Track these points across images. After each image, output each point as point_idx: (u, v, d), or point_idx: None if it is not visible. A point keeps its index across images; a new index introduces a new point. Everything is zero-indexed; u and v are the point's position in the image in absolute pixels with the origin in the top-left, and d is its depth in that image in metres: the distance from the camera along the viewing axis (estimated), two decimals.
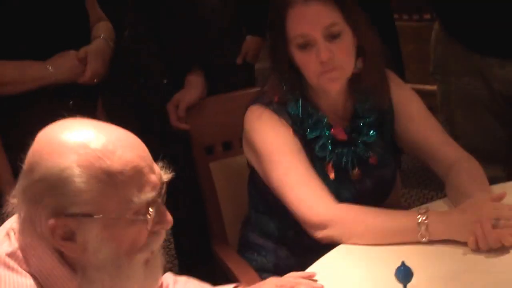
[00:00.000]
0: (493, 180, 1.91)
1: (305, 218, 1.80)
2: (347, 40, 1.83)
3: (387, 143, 2.00)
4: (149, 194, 1.24)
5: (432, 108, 2.02)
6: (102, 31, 2.31)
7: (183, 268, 2.73)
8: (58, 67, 2.15)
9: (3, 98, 2.13)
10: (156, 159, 1.32)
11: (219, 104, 2.35)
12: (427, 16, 3.39)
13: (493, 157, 2.32)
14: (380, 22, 2.03)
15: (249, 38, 2.59)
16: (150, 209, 1.26)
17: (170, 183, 1.27)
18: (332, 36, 1.80)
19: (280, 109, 1.89)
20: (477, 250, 1.64)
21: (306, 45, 1.80)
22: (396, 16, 3.47)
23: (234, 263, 2.11)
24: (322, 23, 1.78)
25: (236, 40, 2.56)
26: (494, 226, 1.64)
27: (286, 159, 1.84)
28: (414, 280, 1.48)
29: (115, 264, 1.24)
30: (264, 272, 2.04)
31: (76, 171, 1.20)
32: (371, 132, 1.94)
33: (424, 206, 1.80)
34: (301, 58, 1.83)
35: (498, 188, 1.88)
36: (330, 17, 1.79)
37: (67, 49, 2.18)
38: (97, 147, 1.22)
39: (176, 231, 2.67)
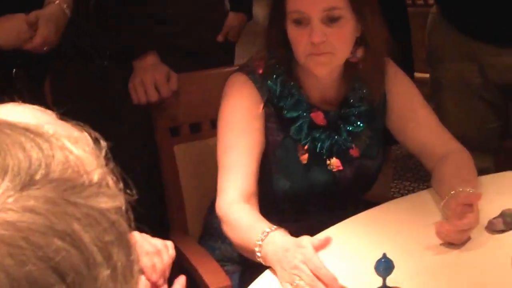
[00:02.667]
0: (482, 171, 1.86)
1: (216, 206, 1.76)
2: (347, 27, 1.76)
3: (376, 135, 1.93)
4: None
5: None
6: None
7: None
8: (4, 31, 1.98)
9: None
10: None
11: (190, 82, 2.21)
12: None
13: (483, 148, 2.29)
14: (391, 7, 1.97)
15: (231, 14, 2.45)
16: None
17: (128, 168, 1.15)
18: (330, 20, 1.73)
19: (260, 81, 1.82)
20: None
21: (301, 22, 1.74)
22: (409, 1, 3.38)
23: (193, 253, 1.98)
24: (322, 4, 1.72)
25: (217, 16, 2.43)
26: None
27: (232, 137, 1.79)
28: (394, 274, 1.42)
29: None
30: (227, 262, 1.95)
31: None
32: (359, 122, 1.87)
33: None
34: (293, 33, 1.77)
35: (487, 179, 1.84)
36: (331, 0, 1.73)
37: (16, 12, 2.01)
38: None
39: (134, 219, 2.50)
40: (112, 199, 0.62)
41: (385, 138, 1.96)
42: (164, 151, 2.16)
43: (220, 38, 2.41)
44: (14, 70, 2.05)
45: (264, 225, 1.61)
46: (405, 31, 2.50)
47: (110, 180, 0.65)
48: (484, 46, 2.26)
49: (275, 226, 1.59)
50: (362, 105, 1.87)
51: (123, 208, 0.64)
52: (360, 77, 1.86)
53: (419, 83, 2.02)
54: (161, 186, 2.20)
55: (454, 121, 2.24)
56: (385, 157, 2.04)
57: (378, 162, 1.94)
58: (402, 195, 3.51)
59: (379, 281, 1.43)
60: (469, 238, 1.61)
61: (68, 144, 0.62)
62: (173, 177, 2.16)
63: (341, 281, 1.47)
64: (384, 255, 1.42)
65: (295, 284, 1.46)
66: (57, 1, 2.12)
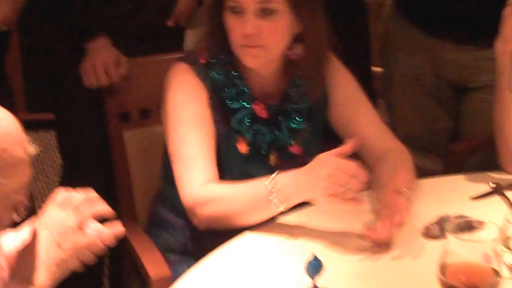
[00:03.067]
0: (430, 173, 1.84)
1: (181, 198, 1.73)
2: (282, 22, 1.74)
3: (317, 131, 1.91)
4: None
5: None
6: None
7: None
8: None
9: None
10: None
11: (140, 67, 2.17)
12: None
13: (432, 148, 2.26)
14: None
15: None
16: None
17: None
18: (265, 12, 1.72)
19: (203, 71, 1.81)
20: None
21: (236, 11, 1.73)
22: None
23: (137, 241, 1.95)
24: None
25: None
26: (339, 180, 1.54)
27: (186, 128, 1.77)
28: (326, 275, 1.41)
29: None
30: (169, 252, 1.92)
31: None
32: (300, 119, 1.85)
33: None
34: (228, 21, 1.76)
35: (434, 182, 1.83)
36: None
37: None
38: None
39: None
40: None
41: (326, 134, 1.94)
42: (113, 136, 2.12)
43: (170, 23, 2.37)
44: None
45: (256, 180, 1.63)
46: (362, 22, 2.46)
47: None
48: (439, 42, 2.22)
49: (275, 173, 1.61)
50: (303, 101, 1.85)
51: None
52: (300, 73, 1.84)
53: (376, 78, 1.99)
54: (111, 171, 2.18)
55: (403, 118, 2.23)
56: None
57: None
58: None
59: (309, 282, 1.41)
60: (403, 242, 1.58)
61: None
62: (121, 162, 2.12)
63: (270, 280, 1.47)
64: (314, 256, 1.41)
65: (342, 190, 1.51)
66: None
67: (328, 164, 1.56)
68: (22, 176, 1.18)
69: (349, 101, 1.90)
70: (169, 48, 2.19)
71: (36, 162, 3.70)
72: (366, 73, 2.57)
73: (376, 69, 2.53)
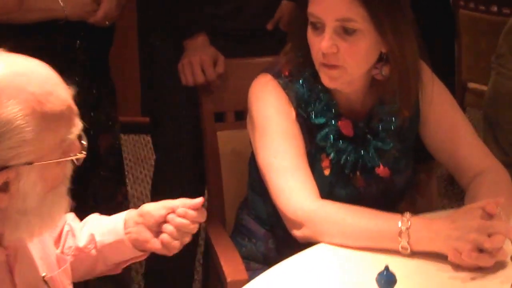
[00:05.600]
0: None
1: (283, 211, 1.66)
2: (364, 42, 1.62)
3: (407, 148, 1.80)
4: (78, 128, 1.21)
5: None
6: None
7: None
8: (70, 1, 2.04)
9: (6, 26, 2.01)
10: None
11: (237, 68, 2.14)
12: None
13: None
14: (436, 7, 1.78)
15: (284, 2, 2.35)
16: (83, 142, 1.23)
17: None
18: (345, 31, 1.61)
19: (288, 85, 1.73)
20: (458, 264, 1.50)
21: (316, 27, 1.64)
22: (461, 3, 3.17)
23: (221, 247, 1.92)
24: (336, 14, 1.60)
25: (269, 3, 2.33)
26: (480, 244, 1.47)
27: (278, 140, 1.69)
28: None
29: (42, 203, 1.20)
30: (251, 261, 1.89)
31: (21, 122, 1.12)
32: (388, 140, 1.73)
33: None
34: (309, 36, 1.66)
35: None
36: (347, 10, 1.60)
37: None
38: (36, 90, 1.14)
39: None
40: None
41: (416, 150, 1.83)
42: (208, 135, 2.11)
43: (269, 26, 2.30)
44: (77, 41, 2.10)
45: (382, 214, 1.57)
46: (450, 33, 2.32)
47: None
48: None
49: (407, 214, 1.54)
50: (392, 120, 1.73)
51: None
52: (388, 92, 1.71)
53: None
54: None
55: (507, 141, 2.05)
56: (414, 171, 1.88)
57: (407, 176, 1.81)
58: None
59: None
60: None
61: None
62: (214, 163, 2.10)
63: None
64: (386, 267, 1.34)
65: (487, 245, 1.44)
66: None
67: (476, 217, 1.48)
68: (72, 118, 1.20)
69: (444, 118, 1.78)
70: (269, 52, 2.13)
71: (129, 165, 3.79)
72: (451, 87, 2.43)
73: (473, 85, 2.38)
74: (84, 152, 1.23)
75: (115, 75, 2.36)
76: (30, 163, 1.15)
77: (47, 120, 1.14)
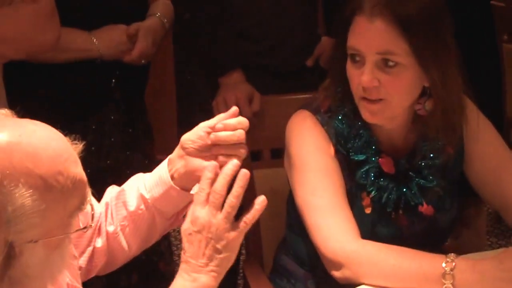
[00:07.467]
0: None
1: (321, 251, 1.61)
2: (406, 76, 1.57)
3: (451, 186, 1.74)
4: (87, 201, 1.17)
5: None
6: (160, 9, 2.14)
7: None
8: (104, 41, 2.01)
9: (42, 66, 1.98)
10: None
11: (274, 105, 2.11)
12: None
13: None
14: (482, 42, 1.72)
15: (325, 39, 2.33)
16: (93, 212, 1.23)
17: None
18: (387, 65, 1.57)
19: (327, 121, 1.70)
20: None
21: (356, 60, 1.60)
22: (505, 37, 3.10)
23: (258, 287, 1.88)
24: (377, 47, 1.56)
25: (308, 38, 2.32)
26: None
27: (317, 178, 1.65)
28: None
29: (47, 264, 1.15)
30: None
31: (30, 206, 1.08)
32: (432, 177, 1.68)
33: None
34: (349, 70, 1.63)
35: None
36: (389, 43, 1.55)
37: (118, 23, 2.03)
38: (44, 172, 1.09)
39: None
40: None
41: (465, 183, 1.77)
42: None
43: (309, 62, 2.29)
44: (113, 81, 2.07)
45: (424, 254, 1.52)
46: (496, 68, 2.25)
47: None
48: None
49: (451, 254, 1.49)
50: (435, 157, 1.68)
51: None
52: (431, 128, 1.66)
53: None
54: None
55: None
56: (459, 209, 1.81)
57: (452, 215, 1.76)
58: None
59: None
60: None
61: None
62: (251, 203, 2.07)
63: None
64: None
65: None
66: (158, 14, 2.13)
67: None
68: (82, 192, 1.16)
69: (490, 155, 1.73)
70: (307, 89, 2.11)
71: None
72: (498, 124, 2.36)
73: None
74: (92, 224, 1.20)
75: (152, 112, 2.34)
76: (35, 241, 1.11)
77: (56, 201, 1.11)
